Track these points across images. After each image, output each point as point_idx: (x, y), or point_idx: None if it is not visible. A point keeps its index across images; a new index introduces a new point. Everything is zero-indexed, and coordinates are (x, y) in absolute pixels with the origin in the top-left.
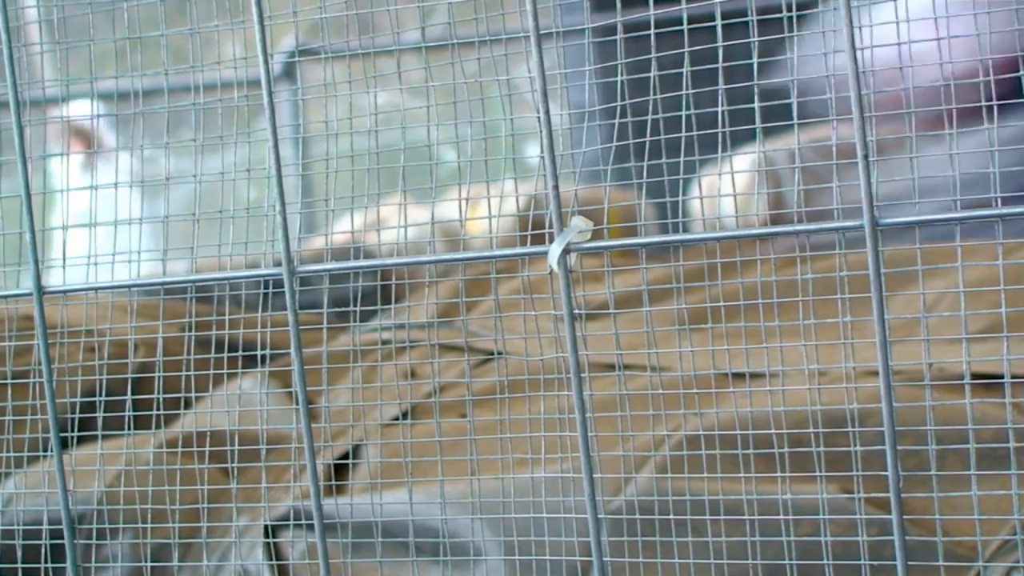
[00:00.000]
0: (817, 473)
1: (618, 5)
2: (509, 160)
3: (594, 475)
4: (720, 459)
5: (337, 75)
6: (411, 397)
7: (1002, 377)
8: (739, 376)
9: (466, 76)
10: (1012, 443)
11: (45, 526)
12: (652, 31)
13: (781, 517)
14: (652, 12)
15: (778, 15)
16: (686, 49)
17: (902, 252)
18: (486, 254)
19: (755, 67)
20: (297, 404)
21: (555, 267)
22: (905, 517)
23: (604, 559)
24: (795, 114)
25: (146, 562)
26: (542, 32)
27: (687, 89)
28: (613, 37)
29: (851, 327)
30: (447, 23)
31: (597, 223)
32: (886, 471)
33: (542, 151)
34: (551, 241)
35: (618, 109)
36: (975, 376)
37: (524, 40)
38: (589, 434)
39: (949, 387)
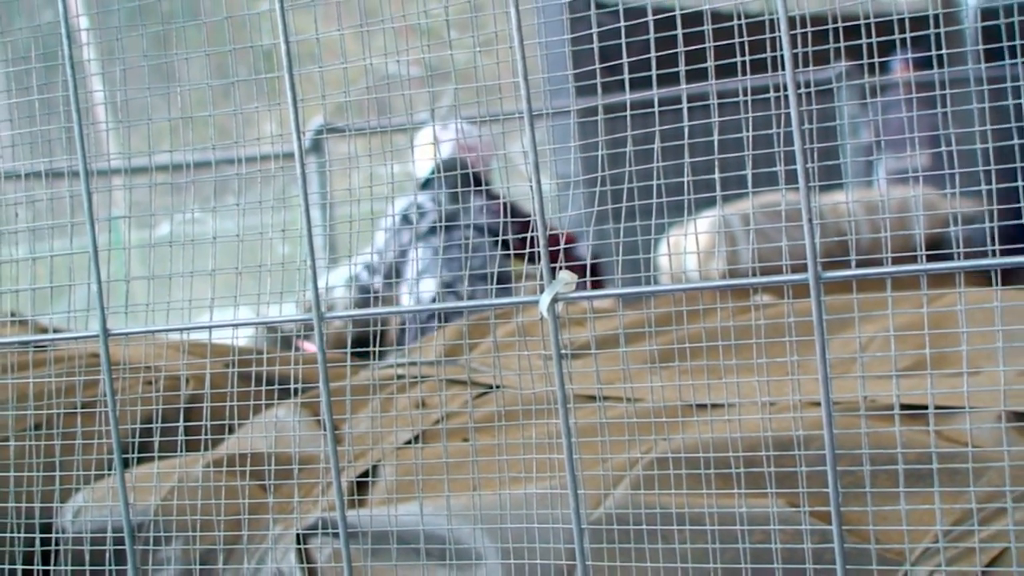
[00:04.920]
0: (768, 490)
1: (599, 91)
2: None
3: (578, 491)
4: (685, 477)
5: (358, 149)
6: (421, 424)
7: (926, 408)
8: (701, 406)
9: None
10: (935, 464)
11: (109, 533)
12: (628, 112)
13: (737, 527)
14: (628, 96)
15: (735, 99)
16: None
17: (839, 300)
18: (486, 302)
19: (715, 143)
20: (324, 430)
21: (545, 314)
22: (844, 528)
23: (587, 563)
24: (749, 183)
25: (195, 565)
26: (534, 113)
27: (657, 162)
28: (593, 118)
29: (797, 365)
30: (452, 105)
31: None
32: (827, 488)
33: (534, 214)
34: (542, 292)
35: (598, 179)
36: (903, 407)
37: (518, 120)
38: (573, 456)
39: (881, 416)
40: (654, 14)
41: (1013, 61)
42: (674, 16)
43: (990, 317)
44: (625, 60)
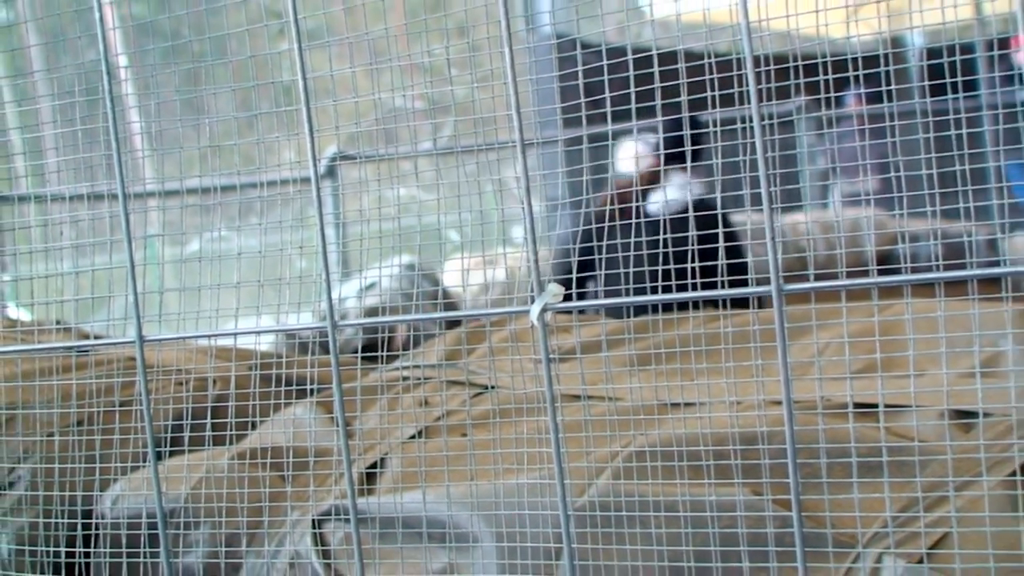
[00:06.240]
0: (735, 480)
1: (583, 122)
2: (502, 238)
3: (564, 481)
4: (660, 469)
5: (368, 174)
6: (424, 421)
7: (877, 406)
8: (675, 405)
9: (467, 175)
10: (885, 457)
11: (144, 519)
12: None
13: (708, 514)
14: (610, 127)
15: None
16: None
17: (799, 309)
18: (483, 311)
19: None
20: (337, 426)
21: (535, 322)
22: (803, 514)
23: (572, 546)
24: (719, 204)
25: (222, 547)
26: (526, 143)
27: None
28: (579, 147)
29: (761, 368)
30: (452, 135)
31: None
32: (788, 478)
33: (526, 233)
34: (533, 302)
35: (583, 202)
36: (856, 406)
37: (512, 148)
38: (560, 450)
39: (836, 414)
40: (633, 54)
41: (955, 96)
42: (651, 55)
43: (934, 325)
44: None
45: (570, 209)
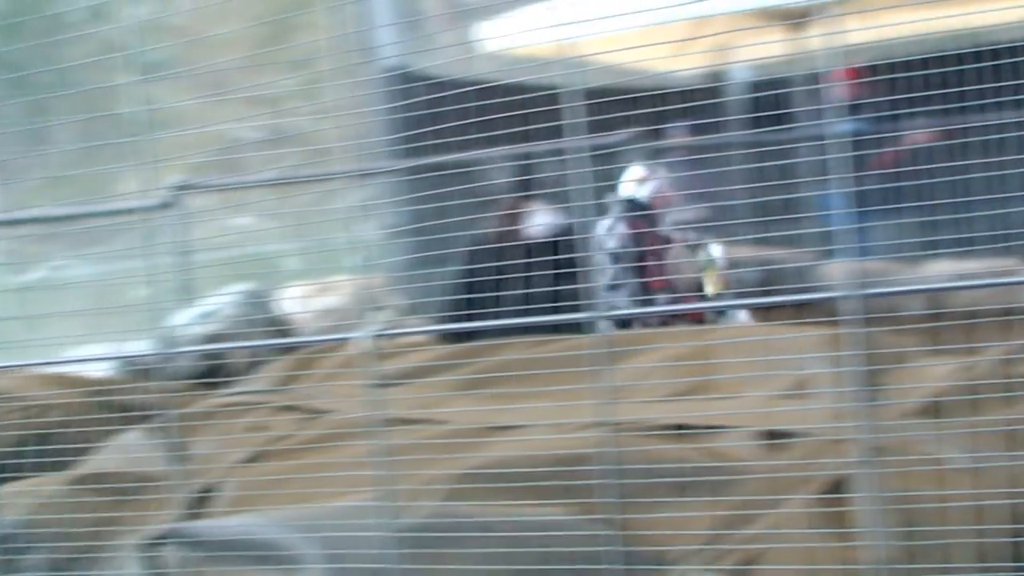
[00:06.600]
0: (556, 501)
1: (428, 152)
2: (339, 266)
3: (393, 502)
4: (488, 490)
5: (211, 203)
6: (258, 445)
7: (695, 428)
8: (502, 428)
9: (307, 204)
10: (702, 477)
11: None
12: (446, 172)
13: (530, 533)
14: (443, 159)
15: (541, 159)
16: (474, 186)
17: (623, 335)
18: (317, 338)
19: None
20: (171, 451)
21: (367, 347)
22: (622, 532)
23: (397, 566)
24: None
25: (57, 572)
26: (363, 172)
27: (466, 216)
28: (414, 176)
29: (585, 392)
30: (294, 165)
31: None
32: (609, 498)
33: (360, 261)
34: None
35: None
36: (674, 427)
37: (350, 178)
38: (390, 472)
39: (655, 435)
40: (467, 87)
41: (774, 128)
42: (486, 88)
43: (752, 349)
44: (435, 126)
45: (410, 237)
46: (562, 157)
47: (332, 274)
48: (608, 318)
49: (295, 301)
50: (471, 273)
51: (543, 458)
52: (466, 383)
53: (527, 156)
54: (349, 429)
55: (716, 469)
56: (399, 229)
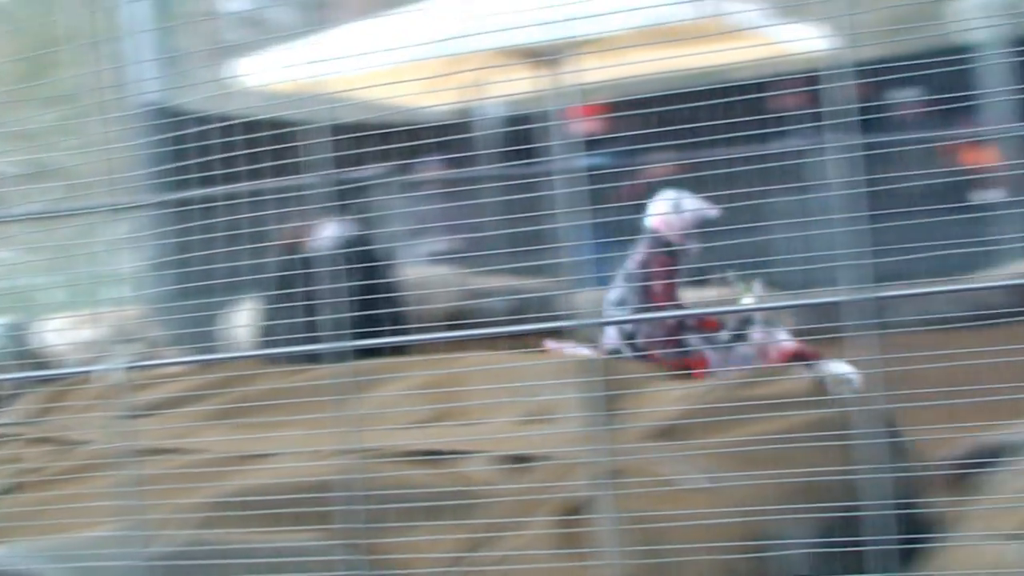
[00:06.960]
0: (309, 527)
1: (190, 183)
2: (99, 298)
3: (143, 531)
4: (241, 517)
5: None
6: (11, 476)
7: (441, 453)
8: (254, 456)
9: (68, 238)
10: (447, 501)
11: None
12: (200, 206)
13: (285, 559)
14: (204, 192)
15: (312, 191)
16: (238, 218)
17: (371, 364)
18: (70, 370)
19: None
20: None
21: (119, 378)
22: (371, 556)
23: None
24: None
25: None
26: (122, 206)
27: (220, 248)
28: (172, 209)
29: (334, 420)
30: (55, 199)
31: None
32: (355, 523)
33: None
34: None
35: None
36: (421, 453)
37: (110, 212)
38: (141, 502)
39: (402, 461)
40: (225, 121)
41: (521, 162)
42: (243, 123)
43: (498, 376)
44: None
45: (169, 269)
46: (311, 191)
47: (93, 306)
48: (356, 348)
49: (55, 334)
50: (280, 298)
51: (291, 485)
52: (219, 412)
53: (281, 190)
54: (102, 460)
55: (461, 493)
56: (158, 261)
